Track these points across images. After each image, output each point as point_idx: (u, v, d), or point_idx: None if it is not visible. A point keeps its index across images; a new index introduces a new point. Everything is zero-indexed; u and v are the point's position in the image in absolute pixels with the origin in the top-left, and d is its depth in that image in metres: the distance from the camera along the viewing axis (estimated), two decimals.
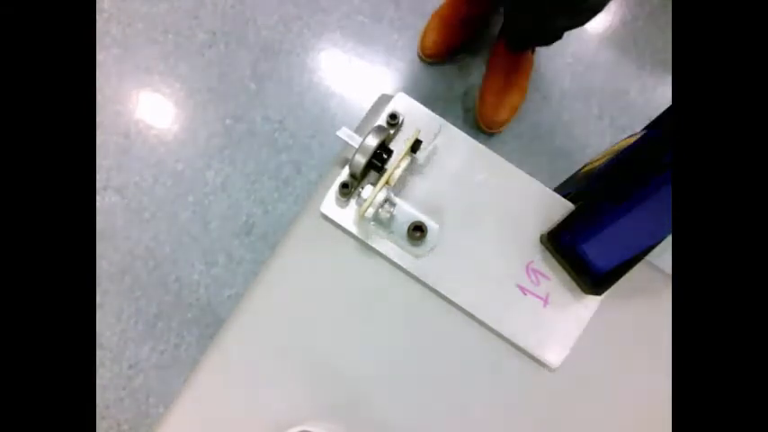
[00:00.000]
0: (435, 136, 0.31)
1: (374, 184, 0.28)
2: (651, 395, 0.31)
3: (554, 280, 0.30)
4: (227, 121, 1.15)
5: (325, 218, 0.30)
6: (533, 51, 1.12)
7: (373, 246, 0.30)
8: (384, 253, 0.30)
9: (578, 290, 0.30)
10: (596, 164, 0.33)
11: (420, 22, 1.19)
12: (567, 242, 0.29)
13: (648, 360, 0.31)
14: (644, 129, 0.31)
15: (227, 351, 0.31)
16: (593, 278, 0.29)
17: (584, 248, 0.28)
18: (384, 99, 0.32)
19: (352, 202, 0.30)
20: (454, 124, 0.34)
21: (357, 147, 0.28)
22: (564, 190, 0.33)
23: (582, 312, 0.30)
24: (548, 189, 0.31)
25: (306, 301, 0.31)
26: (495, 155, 0.31)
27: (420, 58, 1.16)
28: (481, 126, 1.14)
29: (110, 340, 1.10)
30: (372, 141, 0.28)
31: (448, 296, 0.30)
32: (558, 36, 0.96)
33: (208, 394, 0.31)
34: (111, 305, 1.11)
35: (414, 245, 0.30)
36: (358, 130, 0.31)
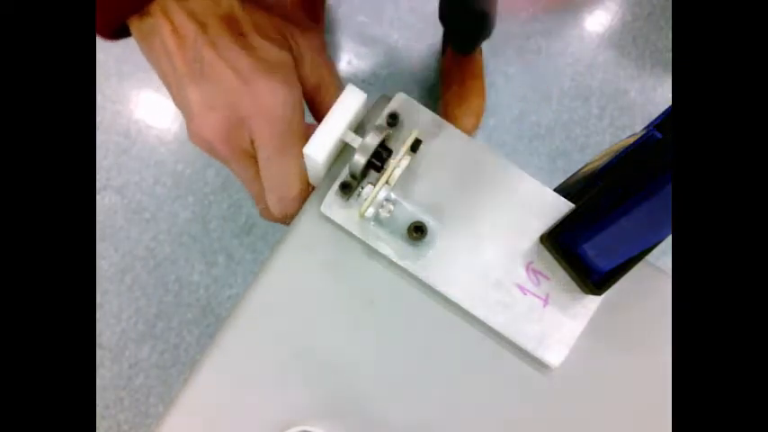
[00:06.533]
0: (435, 136, 0.31)
1: (374, 184, 0.28)
2: (651, 395, 0.31)
3: (554, 280, 0.30)
4: None
5: (325, 218, 0.30)
6: (480, 51, 1.14)
7: (373, 245, 0.30)
8: (384, 253, 0.30)
9: (578, 290, 0.30)
10: (596, 164, 0.33)
11: (420, 23, 1.19)
12: (566, 242, 0.29)
13: (648, 360, 0.31)
14: (644, 129, 0.31)
15: (227, 351, 0.31)
16: (593, 278, 0.29)
17: (584, 248, 0.28)
18: (383, 99, 0.32)
19: (353, 201, 0.30)
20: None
21: (357, 147, 0.28)
22: (564, 190, 0.33)
23: (582, 312, 0.30)
24: (548, 189, 0.31)
25: (305, 300, 0.31)
26: (495, 155, 0.31)
27: None
28: None
29: (110, 340, 1.11)
30: (372, 141, 0.28)
31: (448, 296, 0.30)
32: (493, 24, 1.01)
33: (208, 394, 0.31)
34: (111, 305, 1.11)
35: (414, 245, 0.30)
36: (358, 131, 0.31)
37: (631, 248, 0.27)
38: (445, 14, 1.02)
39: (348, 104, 0.28)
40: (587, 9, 1.21)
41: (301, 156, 0.29)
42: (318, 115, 0.33)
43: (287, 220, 0.33)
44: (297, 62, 0.30)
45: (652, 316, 0.31)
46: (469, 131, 1.13)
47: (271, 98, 0.28)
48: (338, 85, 0.33)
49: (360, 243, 0.31)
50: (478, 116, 1.13)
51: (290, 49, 0.30)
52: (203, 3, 0.28)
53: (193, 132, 0.30)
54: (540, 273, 0.30)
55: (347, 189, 0.30)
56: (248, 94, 0.28)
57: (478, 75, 1.13)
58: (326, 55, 0.33)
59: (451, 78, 1.12)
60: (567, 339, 0.30)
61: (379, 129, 0.28)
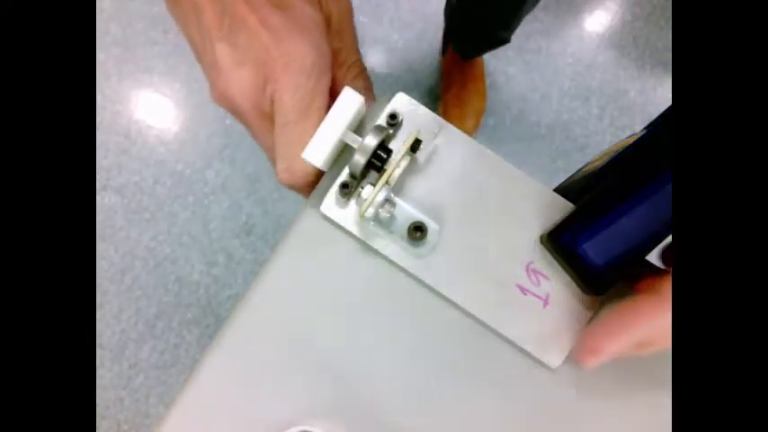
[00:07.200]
0: (435, 136, 0.31)
1: (374, 184, 0.28)
2: (651, 395, 0.31)
3: (554, 280, 0.30)
4: (227, 122, 1.15)
5: (326, 218, 0.30)
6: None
7: (373, 246, 0.30)
8: (384, 253, 0.30)
9: (578, 290, 0.30)
10: (596, 164, 0.33)
11: (420, 23, 1.19)
12: (567, 242, 0.29)
13: (648, 359, 0.31)
14: (644, 129, 0.31)
15: (227, 351, 0.31)
16: (593, 278, 0.29)
17: (584, 248, 0.28)
18: (383, 99, 0.32)
19: (353, 202, 0.30)
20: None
21: (356, 147, 0.28)
22: (564, 190, 0.33)
23: (582, 312, 0.30)
24: (548, 189, 0.31)
25: (306, 300, 0.31)
26: (495, 155, 0.31)
27: None
28: None
29: (110, 340, 1.11)
30: (372, 141, 0.28)
31: (448, 296, 0.30)
32: (507, 40, 0.95)
33: (207, 394, 0.31)
34: (111, 305, 1.11)
35: (414, 245, 0.30)
36: (358, 131, 0.31)
37: (631, 248, 0.27)
38: (450, 13, 0.99)
39: (346, 106, 0.28)
40: (587, 9, 1.21)
41: (316, 128, 0.28)
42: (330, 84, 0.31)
43: (302, 192, 0.32)
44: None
45: None
46: (470, 132, 1.13)
47: (299, 59, 0.27)
48: (356, 58, 0.32)
49: (360, 243, 0.31)
50: (478, 117, 1.13)
51: (321, 11, 0.29)
52: None
53: (219, 91, 0.28)
54: (540, 273, 0.30)
55: (347, 189, 0.30)
56: (278, 53, 0.27)
57: (479, 76, 1.13)
58: (352, 24, 0.31)
59: (452, 80, 1.11)
60: (567, 339, 0.30)
61: (378, 129, 0.28)
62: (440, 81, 1.16)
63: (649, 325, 0.26)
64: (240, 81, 0.27)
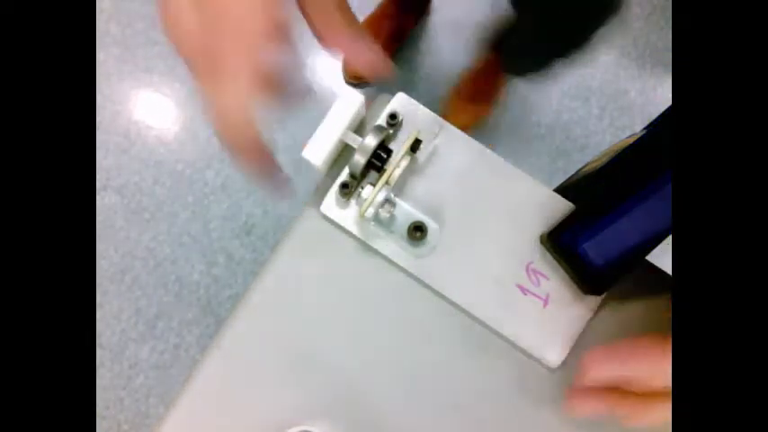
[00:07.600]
0: (435, 136, 0.31)
1: (374, 184, 0.28)
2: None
3: (554, 280, 0.30)
4: None
5: (326, 218, 0.30)
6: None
7: (374, 246, 0.30)
8: (384, 253, 0.30)
9: (578, 290, 0.30)
10: (596, 164, 0.33)
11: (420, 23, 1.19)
12: (567, 242, 0.29)
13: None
14: (644, 129, 0.31)
15: (227, 351, 0.31)
16: (593, 278, 0.29)
17: (584, 248, 0.28)
18: (383, 99, 0.32)
19: (353, 202, 0.30)
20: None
21: (357, 147, 0.28)
22: (564, 190, 0.33)
23: (582, 312, 0.30)
24: (548, 189, 0.31)
25: (306, 300, 0.31)
26: (495, 155, 0.31)
27: (346, 82, 1.12)
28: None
29: (110, 340, 1.11)
30: (372, 141, 0.28)
31: (448, 296, 0.30)
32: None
33: (208, 394, 0.31)
34: (111, 305, 1.11)
35: (414, 245, 0.30)
36: (358, 130, 0.31)
37: (631, 248, 0.27)
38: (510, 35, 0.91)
39: (345, 107, 0.28)
40: None
41: (252, 81, 0.25)
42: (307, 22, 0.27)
43: (242, 155, 0.27)
44: None
45: (652, 316, 0.31)
46: (466, 126, 1.12)
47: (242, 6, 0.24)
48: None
49: (360, 243, 0.31)
50: (479, 119, 1.13)
51: None
52: None
53: (167, 27, 0.25)
54: (540, 273, 0.30)
55: (347, 189, 0.30)
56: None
57: (500, 87, 1.12)
58: None
59: (474, 78, 1.10)
60: (567, 340, 0.30)
61: (378, 129, 0.28)
62: (463, 73, 1.12)
63: (648, 368, 0.25)
64: (186, 22, 0.24)
